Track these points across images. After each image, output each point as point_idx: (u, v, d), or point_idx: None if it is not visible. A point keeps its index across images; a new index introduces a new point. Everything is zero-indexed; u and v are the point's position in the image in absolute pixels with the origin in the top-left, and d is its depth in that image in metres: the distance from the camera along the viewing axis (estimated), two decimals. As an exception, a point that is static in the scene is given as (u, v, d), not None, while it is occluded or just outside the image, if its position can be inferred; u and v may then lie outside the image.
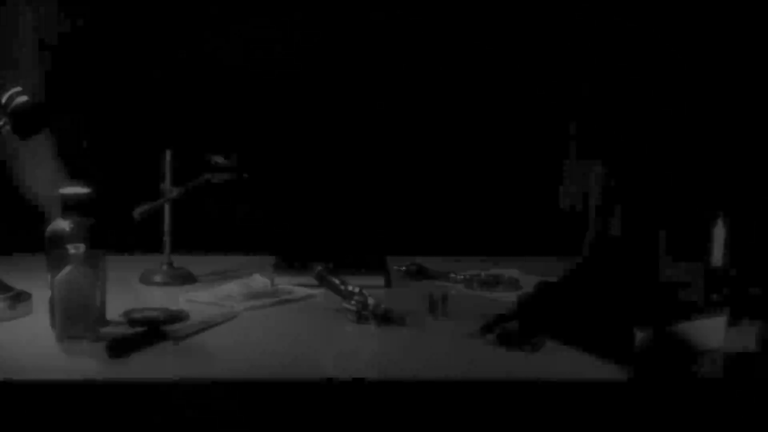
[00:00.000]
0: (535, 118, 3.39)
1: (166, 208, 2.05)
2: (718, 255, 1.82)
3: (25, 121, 1.75)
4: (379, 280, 2.05)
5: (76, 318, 1.62)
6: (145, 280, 2.05)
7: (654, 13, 3.09)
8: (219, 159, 2.06)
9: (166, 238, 2.07)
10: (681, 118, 3.12)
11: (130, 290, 1.98)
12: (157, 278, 2.04)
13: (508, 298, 1.91)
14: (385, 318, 1.77)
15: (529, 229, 2.94)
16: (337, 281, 1.88)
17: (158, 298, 1.93)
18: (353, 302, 1.79)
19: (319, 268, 1.94)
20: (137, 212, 1.99)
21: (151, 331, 1.66)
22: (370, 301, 1.78)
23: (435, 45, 2.70)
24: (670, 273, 2.05)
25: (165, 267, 2.06)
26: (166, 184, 2.04)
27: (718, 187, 3.04)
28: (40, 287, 1.78)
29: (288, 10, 2.80)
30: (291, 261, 2.13)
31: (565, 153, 3.41)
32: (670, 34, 3.05)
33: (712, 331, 1.66)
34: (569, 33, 3.31)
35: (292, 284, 2.02)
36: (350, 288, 1.84)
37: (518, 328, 1.69)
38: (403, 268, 2.14)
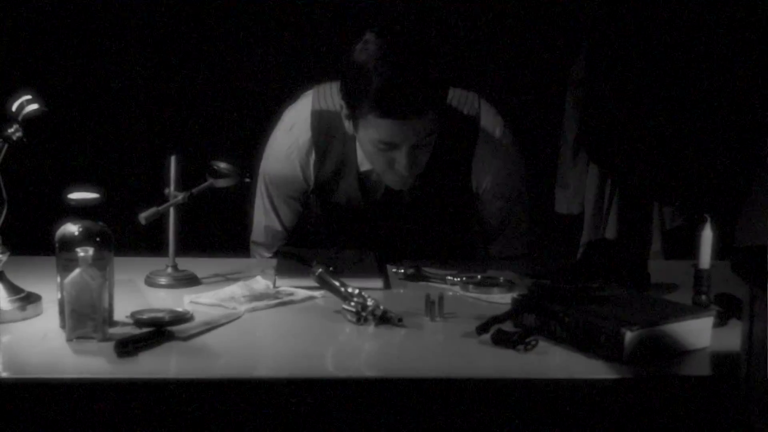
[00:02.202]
0: (532, 121, 3.41)
1: (171, 212, 2.06)
2: (705, 257, 1.85)
3: (36, 129, 1.79)
4: (378, 283, 2.06)
5: (85, 318, 1.64)
6: (150, 282, 2.06)
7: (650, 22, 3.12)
8: (222, 164, 2.08)
9: (171, 242, 2.08)
10: (674, 126, 3.15)
11: (136, 292, 2.00)
12: (162, 280, 2.05)
13: (503, 299, 1.93)
14: (383, 319, 1.78)
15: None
16: (337, 283, 1.91)
17: (163, 300, 1.94)
18: (353, 304, 1.81)
19: (320, 270, 1.97)
20: (143, 216, 1.99)
21: (158, 331, 1.68)
22: (369, 302, 1.80)
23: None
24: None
25: (169, 269, 2.07)
26: (171, 189, 2.05)
27: (707, 190, 3.07)
28: (50, 289, 1.81)
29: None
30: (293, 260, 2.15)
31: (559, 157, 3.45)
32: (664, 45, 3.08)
33: (699, 332, 1.69)
34: (567, 33, 3.34)
35: (293, 286, 2.03)
36: (350, 290, 1.86)
37: (513, 328, 1.72)
38: (402, 270, 2.15)
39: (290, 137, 2.31)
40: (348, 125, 2.16)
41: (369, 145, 2.12)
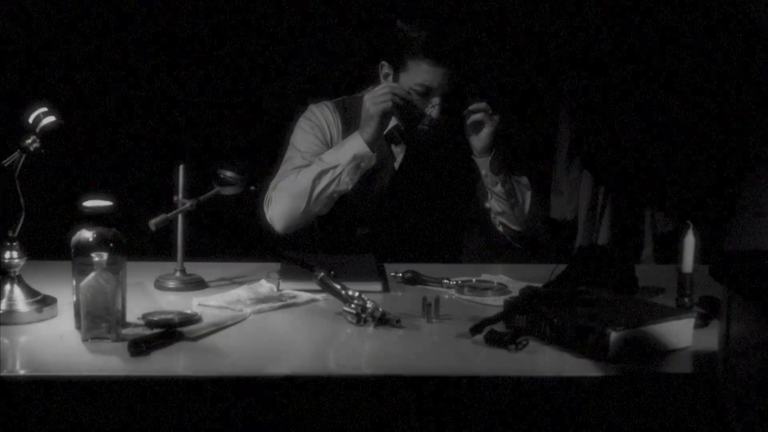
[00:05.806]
0: (527, 129, 3.47)
1: (180, 218, 2.12)
2: (688, 262, 1.91)
3: (52, 140, 1.85)
4: (377, 286, 2.11)
5: (100, 320, 1.70)
6: (160, 285, 2.11)
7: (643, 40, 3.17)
8: (229, 173, 2.13)
9: (179, 247, 2.13)
10: (666, 132, 3.20)
11: (147, 295, 2.05)
12: (171, 284, 2.10)
13: (496, 302, 1.98)
14: (382, 320, 1.83)
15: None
16: (338, 286, 1.94)
17: (173, 302, 1.99)
18: (353, 306, 1.85)
19: (322, 274, 2.01)
20: (153, 223, 2.05)
21: (168, 332, 1.73)
22: (369, 304, 1.84)
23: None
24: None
25: (178, 273, 2.12)
26: (179, 197, 2.11)
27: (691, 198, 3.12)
28: (65, 292, 1.87)
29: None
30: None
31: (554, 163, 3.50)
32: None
33: (681, 332, 1.75)
34: (563, 46, 3.39)
35: (296, 289, 2.08)
36: (350, 293, 1.90)
37: (505, 329, 1.78)
38: (400, 274, 2.20)
39: (316, 106, 2.62)
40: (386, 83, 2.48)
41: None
